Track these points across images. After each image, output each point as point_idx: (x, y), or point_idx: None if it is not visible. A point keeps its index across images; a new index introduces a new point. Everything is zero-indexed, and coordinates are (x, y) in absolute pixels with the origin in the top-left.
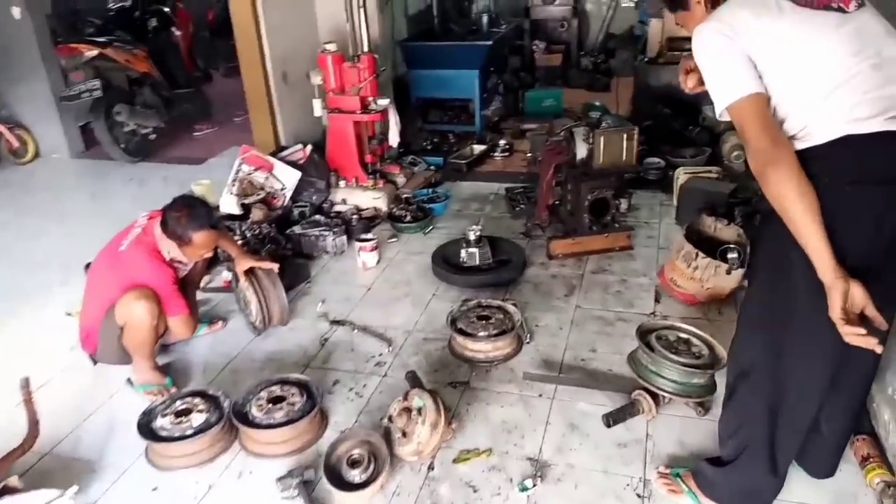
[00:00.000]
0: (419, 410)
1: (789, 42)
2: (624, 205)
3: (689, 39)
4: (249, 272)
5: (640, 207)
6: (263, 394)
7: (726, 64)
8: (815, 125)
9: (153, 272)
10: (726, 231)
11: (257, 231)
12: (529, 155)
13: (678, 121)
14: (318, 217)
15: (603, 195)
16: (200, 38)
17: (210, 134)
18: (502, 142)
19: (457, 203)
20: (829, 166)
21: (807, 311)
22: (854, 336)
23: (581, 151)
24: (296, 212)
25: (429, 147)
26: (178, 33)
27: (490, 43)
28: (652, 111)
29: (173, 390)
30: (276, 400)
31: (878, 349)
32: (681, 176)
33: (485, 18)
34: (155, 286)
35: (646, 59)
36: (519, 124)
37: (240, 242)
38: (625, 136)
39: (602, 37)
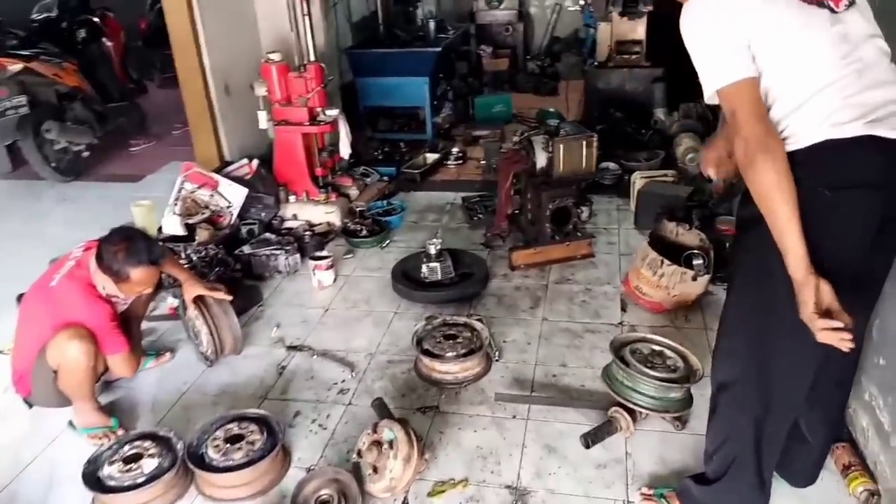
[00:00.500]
0: (390, 443)
1: (786, 32)
2: (585, 213)
3: (637, 43)
4: (198, 299)
5: (598, 213)
6: (220, 433)
7: (722, 43)
8: (797, 127)
9: (88, 309)
10: (688, 236)
11: (204, 253)
12: (483, 162)
13: (630, 124)
14: (268, 235)
15: (564, 204)
16: (133, 49)
17: (148, 148)
18: (455, 149)
19: (413, 214)
20: (809, 171)
21: (789, 318)
22: (827, 332)
23: (540, 160)
24: (244, 230)
25: (380, 157)
26: (108, 44)
27: (439, 49)
28: (604, 115)
29: (120, 432)
30: (234, 439)
31: (848, 346)
32: (637, 180)
33: (432, 24)
34: (91, 324)
35: (595, 63)
36: (470, 131)
37: (185, 266)
38: (584, 143)
39: (547, 40)
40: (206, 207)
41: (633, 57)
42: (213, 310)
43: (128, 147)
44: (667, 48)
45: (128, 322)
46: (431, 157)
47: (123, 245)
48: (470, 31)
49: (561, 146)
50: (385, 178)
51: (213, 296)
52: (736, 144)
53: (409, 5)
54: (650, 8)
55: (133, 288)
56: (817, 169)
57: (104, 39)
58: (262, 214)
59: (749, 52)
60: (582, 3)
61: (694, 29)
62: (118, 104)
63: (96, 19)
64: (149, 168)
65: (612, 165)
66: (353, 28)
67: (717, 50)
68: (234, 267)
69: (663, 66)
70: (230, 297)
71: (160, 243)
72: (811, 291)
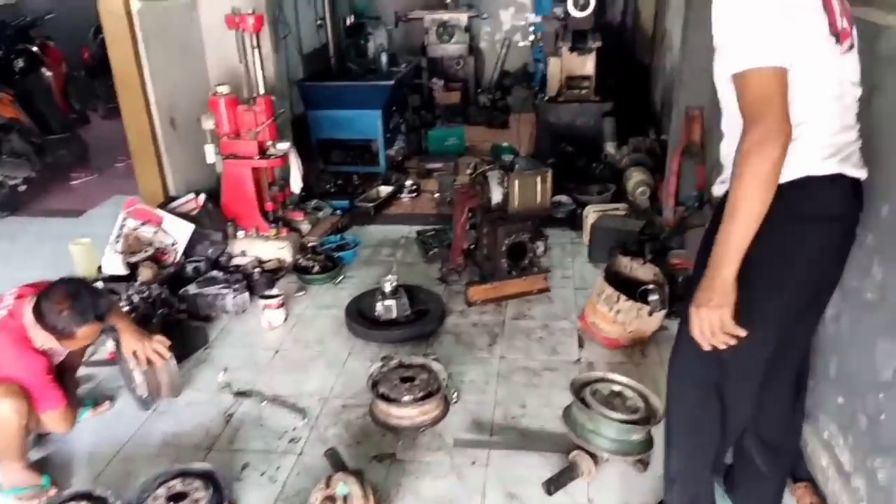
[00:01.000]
0: (344, 499)
1: (812, 50)
2: (541, 247)
3: (587, 78)
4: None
5: (552, 247)
6: (161, 490)
7: (772, 24)
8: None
9: (22, 363)
10: (643, 270)
11: (146, 293)
12: (438, 195)
13: (582, 158)
14: (215, 273)
15: (520, 239)
16: (75, 79)
17: (89, 182)
18: (409, 182)
19: (367, 249)
20: (784, 204)
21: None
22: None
23: (496, 195)
24: (190, 268)
25: (332, 190)
26: (48, 74)
27: (392, 83)
28: (555, 149)
29: (52, 492)
30: (177, 497)
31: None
32: (590, 214)
33: (384, 58)
34: (24, 379)
35: (546, 98)
36: (424, 164)
37: (126, 308)
38: (539, 178)
39: (497, 74)
40: (150, 245)
41: (583, 92)
42: None
43: (68, 180)
44: (615, 83)
45: (63, 372)
46: (385, 189)
47: (67, 302)
48: (421, 65)
49: (516, 182)
50: (338, 211)
51: (154, 349)
52: (752, 129)
53: (360, 38)
54: (598, 44)
55: (77, 343)
56: (793, 204)
57: (44, 69)
58: (210, 251)
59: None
60: (532, 38)
61: None
62: (58, 136)
63: (35, 49)
64: (90, 202)
65: (564, 199)
66: (304, 60)
67: (764, 26)
68: (179, 307)
69: (612, 101)
70: (169, 356)
71: (104, 289)
72: (732, 296)
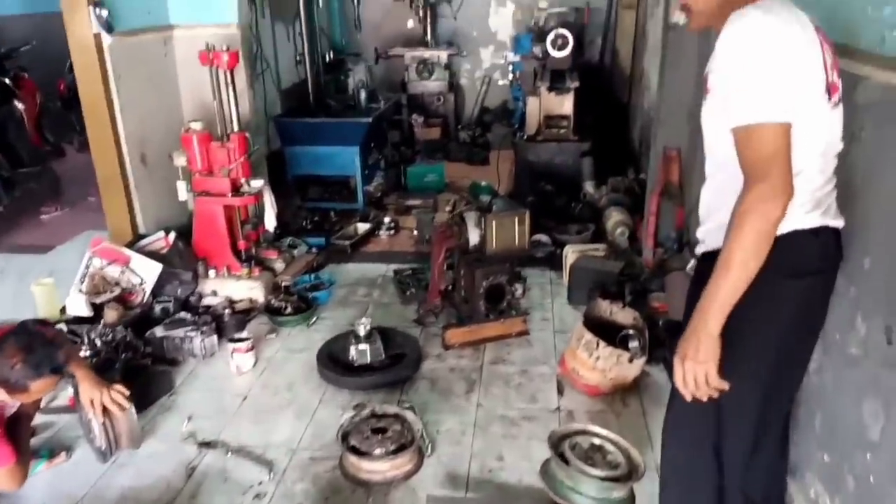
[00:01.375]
0: None
1: (809, 105)
2: (519, 290)
3: (565, 118)
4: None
5: (531, 287)
6: None
7: (780, 76)
8: None
9: None
10: (622, 314)
11: (110, 337)
12: (416, 233)
13: (561, 197)
14: (183, 314)
15: (498, 281)
16: (50, 110)
17: (60, 216)
18: (387, 219)
19: (342, 288)
20: (770, 259)
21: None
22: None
23: (473, 237)
24: (158, 308)
25: (309, 227)
26: (20, 106)
27: (370, 120)
28: (534, 187)
29: None
30: None
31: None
32: (570, 254)
33: (363, 94)
34: None
35: (525, 137)
36: (403, 200)
37: (88, 353)
38: (516, 219)
39: (477, 111)
40: (117, 285)
41: (562, 131)
42: None
43: (38, 215)
44: (594, 122)
45: (17, 420)
46: (363, 226)
47: (20, 356)
48: (402, 101)
49: (493, 223)
50: (314, 249)
51: (112, 407)
52: (755, 186)
53: (339, 74)
54: (576, 84)
55: (30, 397)
56: (780, 259)
57: (16, 101)
58: (179, 291)
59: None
60: (510, 77)
61: (754, 48)
62: (29, 169)
63: (7, 80)
64: (60, 238)
65: (543, 238)
66: (283, 95)
67: (774, 82)
68: (144, 351)
69: (591, 140)
70: (128, 405)
71: (64, 334)
72: (717, 350)
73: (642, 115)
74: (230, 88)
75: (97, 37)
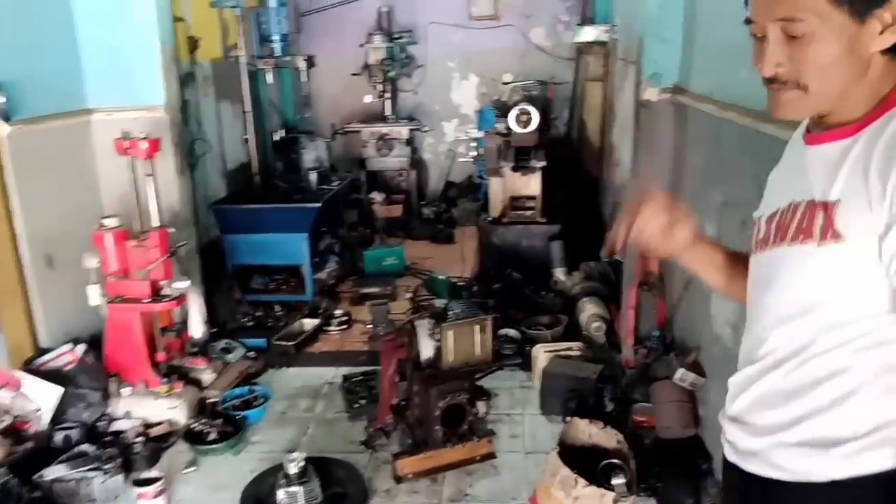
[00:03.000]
0: None
1: None
2: (483, 408)
3: (532, 198)
4: None
5: (499, 393)
6: None
7: None
8: None
9: None
10: (604, 436)
11: None
12: (370, 327)
13: (529, 285)
14: (85, 447)
15: (457, 401)
16: None
17: None
18: (339, 311)
19: (281, 401)
20: None
21: None
22: None
23: (426, 350)
24: (59, 437)
25: (250, 324)
26: None
27: (319, 205)
28: (500, 273)
29: None
30: None
31: None
32: (540, 355)
33: (313, 176)
34: None
35: (489, 219)
36: (358, 288)
37: None
38: (477, 328)
39: (442, 185)
40: (7, 413)
41: (528, 213)
42: None
43: None
44: (565, 198)
45: None
46: (310, 323)
47: None
48: (361, 179)
49: (450, 333)
50: (252, 353)
51: None
52: None
53: (290, 153)
54: (543, 163)
55: None
56: None
57: None
58: (85, 415)
59: None
60: (473, 154)
61: None
62: None
63: None
64: None
65: (511, 332)
66: (229, 177)
67: None
68: (30, 497)
69: (560, 223)
70: None
71: None
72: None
73: (614, 191)
74: (150, 180)
75: None
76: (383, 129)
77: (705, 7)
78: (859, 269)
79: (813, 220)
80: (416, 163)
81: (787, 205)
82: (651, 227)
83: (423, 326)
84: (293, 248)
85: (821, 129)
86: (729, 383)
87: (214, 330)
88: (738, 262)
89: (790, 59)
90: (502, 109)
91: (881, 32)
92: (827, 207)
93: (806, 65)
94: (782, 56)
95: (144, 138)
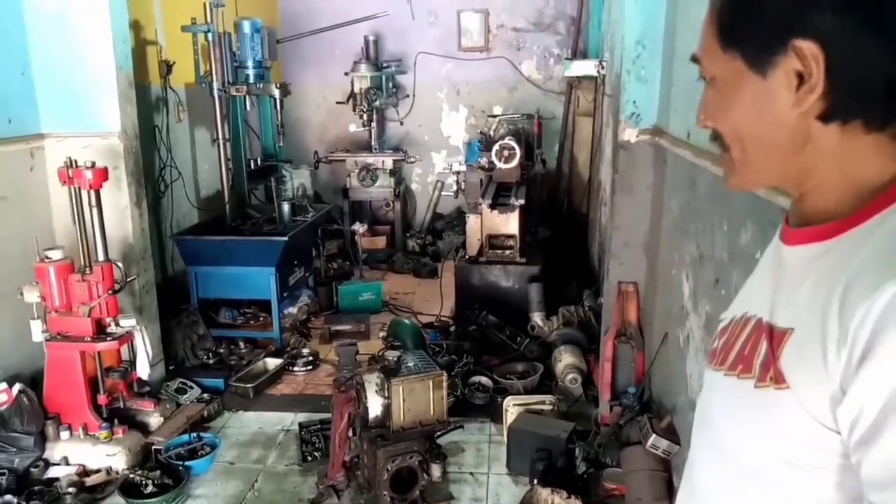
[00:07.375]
0: None
1: None
2: (437, 472)
3: (510, 237)
4: None
5: (466, 446)
6: None
7: None
8: None
9: None
10: None
11: None
12: (335, 369)
13: (505, 329)
14: (8, 499)
15: (407, 464)
16: None
17: None
18: (306, 350)
19: (231, 449)
20: None
21: None
22: None
23: (374, 408)
24: None
25: (210, 361)
26: None
27: (285, 239)
28: (475, 316)
29: None
30: None
31: None
32: (510, 408)
33: (286, 206)
34: None
35: (466, 258)
36: (331, 324)
37: None
38: (430, 384)
39: (429, 217)
40: None
41: (507, 252)
42: None
43: None
44: (550, 236)
45: None
46: (273, 362)
47: None
48: (343, 209)
49: (400, 389)
50: (207, 394)
51: None
52: None
53: (265, 180)
54: (522, 201)
55: None
56: None
57: None
58: (16, 461)
59: None
60: (455, 188)
61: None
62: None
63: None
64: None
65: (483, 380)
66: (202, 204)
67: None
68: None
69: (540, 264)
70: None
71: None
72: None
73: (601, 230)
74: (94, 211)
75: None
76: (368, 158)
77: (683, 44)
78: (807, 434)
79: (756, 348)
80: (402, 194)
81: (741, 316)
82: None
83: (371, 381)
84: (259, 282)
85: (797, 219)
86: None
87: (172, 367)
88: None
89: (710, 112)
90: (487, 143)
91: (797, 89)
92: (773, 336)
93: (717, 121)
94: (708, 106)
95: (91, 167)
